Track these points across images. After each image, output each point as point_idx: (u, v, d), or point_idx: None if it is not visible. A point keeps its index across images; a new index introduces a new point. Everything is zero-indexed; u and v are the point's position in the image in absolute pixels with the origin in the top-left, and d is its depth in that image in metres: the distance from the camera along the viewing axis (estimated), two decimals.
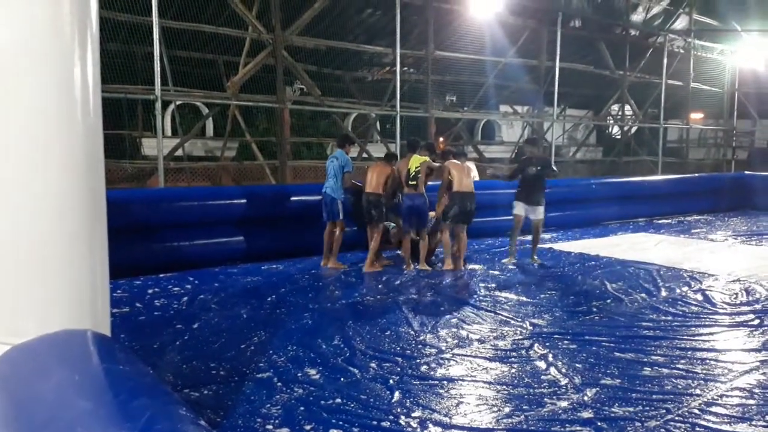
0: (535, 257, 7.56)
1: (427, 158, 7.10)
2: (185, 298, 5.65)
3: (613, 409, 3.39)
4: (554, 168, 7.67)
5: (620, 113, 16.94)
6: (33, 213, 2.03)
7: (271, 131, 12.87)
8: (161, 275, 6.50)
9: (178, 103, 12.47)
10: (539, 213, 7.46)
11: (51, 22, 2.01)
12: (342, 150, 7.18)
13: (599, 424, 3.20)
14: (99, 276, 2.23)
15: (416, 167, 6.96)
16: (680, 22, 16.52)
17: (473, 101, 14.44)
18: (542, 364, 4.07)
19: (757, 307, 5.56)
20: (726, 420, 3.28)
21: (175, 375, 3.84)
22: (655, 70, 15.67)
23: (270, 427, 3.15)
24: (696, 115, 18.95)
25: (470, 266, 7.25)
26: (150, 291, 5.90)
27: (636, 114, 16.64)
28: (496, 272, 6.97)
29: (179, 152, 11.02)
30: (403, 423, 3.21)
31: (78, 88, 2.10)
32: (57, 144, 2.04)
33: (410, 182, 6.97)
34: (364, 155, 12.59)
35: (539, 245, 7.79)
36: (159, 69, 8.16)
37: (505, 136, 19.59)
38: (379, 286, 6.28)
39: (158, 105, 8.21)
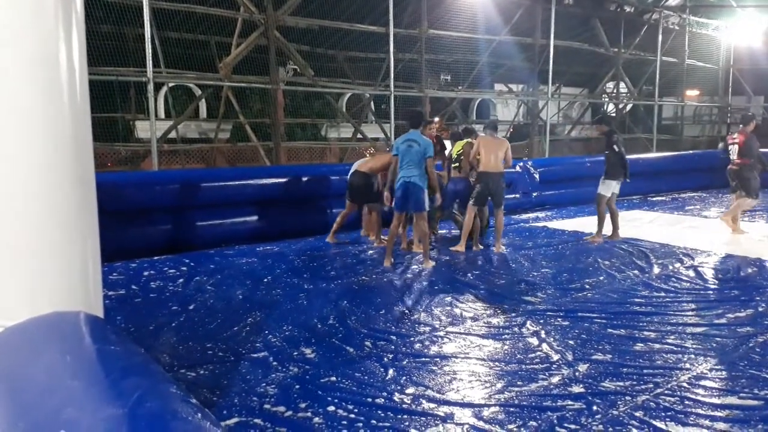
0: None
1: (470, 140, 7.10)
2: (181, 280, 5.67)
3: (604, 384, 3.43)
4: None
5: (615, 91, 16.90)
6: (22, 196, 2.03)
7: (264, 112, 12.82)
8: (156, 258, 6.51)
9: (170, 84, 12.39)
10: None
11: (32, 3, 1.99)
12: (417, 130, 6.23)
13: (590, 398, 3.25)
14: (90, 258, 2.24)
15: (458, 150, 6.94)
16: None
17: (468, 80, 14.37)
18: (535, 341, 4.11)
19: (748, 283, 5.61)
20: (715, 393, 3.33)
21: (171, 355, 3.87)
22: (650, 47, 15.59)
23: (267, 405, 3.18)
24: (691, 92, 18.90)
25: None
26: (146, 273, 5.91)
27: (631, 91, 16.61)
28: (491, 251, 7.00)
29: (173, 134, 10.97)
30: (397, 400, 3.25)
31: (64, 70, 2.08)
32: (43, 128, 2.03)
33: (453, 165, 6.94)
34: (359, 136, 12.56)
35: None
36: (150, 50, 8.10)
37: (500, 115, 19.55)
38: (374, 266, 6.31)
39: (150, 87, 8.16)
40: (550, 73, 13.17)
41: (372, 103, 14.43)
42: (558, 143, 16.19)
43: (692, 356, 3.84)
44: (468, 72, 14.09)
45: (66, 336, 1.90)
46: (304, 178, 8.02)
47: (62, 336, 1.89)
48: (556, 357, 3.83)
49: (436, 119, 7.31)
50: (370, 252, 6.93)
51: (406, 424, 3.00)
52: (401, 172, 6.14)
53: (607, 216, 7.59)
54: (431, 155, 6.16)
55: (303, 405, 3.18)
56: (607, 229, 7.75)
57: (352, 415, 3.07)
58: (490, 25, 12.71)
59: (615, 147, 7.36)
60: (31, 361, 1.71)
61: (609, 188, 7.50)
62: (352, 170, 7.22)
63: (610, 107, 19.35)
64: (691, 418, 3.04)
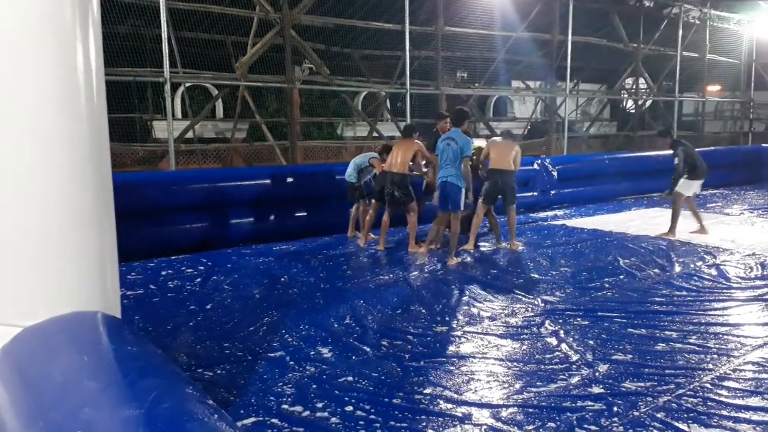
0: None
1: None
2: (198, 280, 5.70)
3: (624, 385, 3.38)
4: None
5: (634, 87, 16.70)
6: (40, 197, 2.04)
7: (281, 112, 12.86)
8: (174, 257, 6.55)
9: (187, 85, 12.47)
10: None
11: (50, 5, 2.00)
12: (459, 129, 6.26)
13: (610, 399, 3.21)
14: (108, 258, 2.25)
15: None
16: None
17: (484, 77, 14.29)
18: (553, 341, 4.07)
19: None
20: (738, 394, 3.27)
21: (188, 355, 3.88)
22: (670, 41, 15.38)
23: (284, 405, 3.18)
24: (712, 88, 18.62)
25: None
26: (163, 273, 5.95)
27: (650, 87, 16.39)
28: (508, 250, 6.95)
29: (190, 134, 11.05)
30: (415, 400, 3.23)
31: (80, 72, 2.09)
32: (61, 129, 2.04)
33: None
34: (375, 134, 12.55)
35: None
36: (167, 51, 8.14)
37: (517, 112, 19.42)
38: (390, 265, 6.29)
39: (167, 87, 8.21)
40: (568, 70, 13.05)
41: (388, 101, 14.40)
42: (576, 140, 16.01)
43: (715, 356, 3.77)
44: (485, 69, 14.01)
45: (84, 336, 1.91)
46: (320, 177, 8.02)
47: (80, 336, 1.90)
48: (575, 357, 3.78)
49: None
50: (386, 252, 6.91)
51: (424, 424, 2.97)
52: (440, 171, 6.25)
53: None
54: (467, 154, 6.14)
55: (320, 405, 3.17)
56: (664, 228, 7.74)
57: (370, 416, 3.06)
58: (507, 22, 12.63)
59: (675, 159, 7.34)
60: (49, 362, 1.72)
61: (690, 188, 7.51)
62: (363, 167, 7.21)
63: (629, 103, 19.13)
64: (714, 420, 2.99)
